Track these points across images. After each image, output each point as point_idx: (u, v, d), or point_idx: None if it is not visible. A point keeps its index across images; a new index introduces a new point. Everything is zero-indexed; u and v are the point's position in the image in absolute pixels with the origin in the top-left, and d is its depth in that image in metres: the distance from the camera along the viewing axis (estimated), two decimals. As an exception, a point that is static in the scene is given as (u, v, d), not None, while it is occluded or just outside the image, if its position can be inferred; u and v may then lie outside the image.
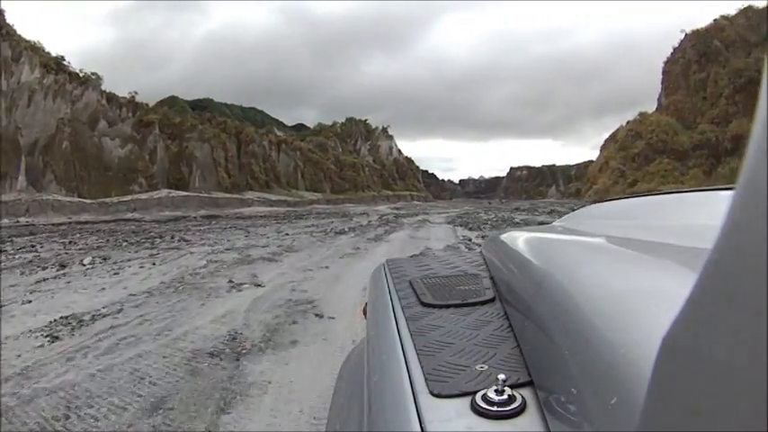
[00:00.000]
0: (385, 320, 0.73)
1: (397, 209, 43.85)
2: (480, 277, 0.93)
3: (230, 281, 6.18)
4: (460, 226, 17.91)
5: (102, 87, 53.17)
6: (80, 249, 10.60)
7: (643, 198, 1.28)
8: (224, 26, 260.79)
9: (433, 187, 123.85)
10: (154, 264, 7.78)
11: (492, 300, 0.78)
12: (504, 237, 1.06)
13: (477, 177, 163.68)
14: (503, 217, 23.02)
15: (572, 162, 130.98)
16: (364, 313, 0.98)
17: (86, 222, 25.42)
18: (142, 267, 7.47)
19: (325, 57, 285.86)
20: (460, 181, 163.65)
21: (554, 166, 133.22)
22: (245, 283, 6.06)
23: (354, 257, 8.44)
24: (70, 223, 24.91)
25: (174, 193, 45.73)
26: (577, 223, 1.20)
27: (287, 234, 14.24)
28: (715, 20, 60.42)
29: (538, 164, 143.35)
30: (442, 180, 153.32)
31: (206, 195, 48.01)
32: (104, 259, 8.44)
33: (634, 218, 1.09)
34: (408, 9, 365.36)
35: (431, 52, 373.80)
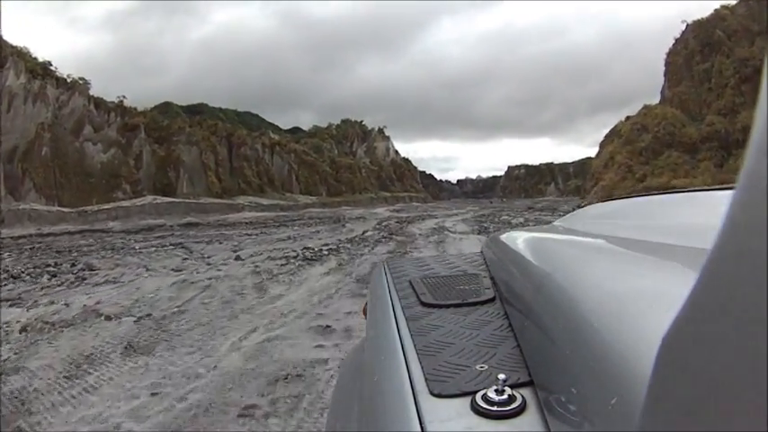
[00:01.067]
0: (385, 320, 0.74)
1: (398, 211, 39.72)
2: (480, 277, 0.93)
3: None
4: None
5: (93, 93, 51.28)
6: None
7: (643, 198, 1.29)
8: (219, 30, 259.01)
9: (431, 188, 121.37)
10: None
11: (492, 300, 0.78)
12: (505, 237, 1.07)
13: (474, 177, 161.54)
14: (536, 219, 19.49)
15: (569, 160, 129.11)
16: (364, 313, 0.98)
17: (48, 235, 23.00)
18: None
19: (320, 59, 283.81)
20: (458, 181, 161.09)
21: (552, 164, 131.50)
22: None
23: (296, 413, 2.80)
24: (30, 236, 22.48)
25: (159, 199, 43.48)
26: (577, 223, 1.21)
27: (237, 258, 9.72)
28: (716, 10, 58.68)
29: (535, 162, 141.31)
30: (440, 180, 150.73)
31: (193, 201, 45.75)
32: None
33: (634, 218, 1.09)
34: (404, 10, 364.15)
35: (427, 53, 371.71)
